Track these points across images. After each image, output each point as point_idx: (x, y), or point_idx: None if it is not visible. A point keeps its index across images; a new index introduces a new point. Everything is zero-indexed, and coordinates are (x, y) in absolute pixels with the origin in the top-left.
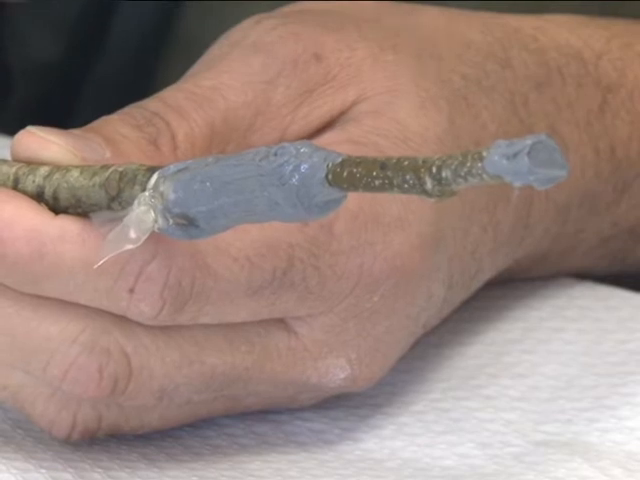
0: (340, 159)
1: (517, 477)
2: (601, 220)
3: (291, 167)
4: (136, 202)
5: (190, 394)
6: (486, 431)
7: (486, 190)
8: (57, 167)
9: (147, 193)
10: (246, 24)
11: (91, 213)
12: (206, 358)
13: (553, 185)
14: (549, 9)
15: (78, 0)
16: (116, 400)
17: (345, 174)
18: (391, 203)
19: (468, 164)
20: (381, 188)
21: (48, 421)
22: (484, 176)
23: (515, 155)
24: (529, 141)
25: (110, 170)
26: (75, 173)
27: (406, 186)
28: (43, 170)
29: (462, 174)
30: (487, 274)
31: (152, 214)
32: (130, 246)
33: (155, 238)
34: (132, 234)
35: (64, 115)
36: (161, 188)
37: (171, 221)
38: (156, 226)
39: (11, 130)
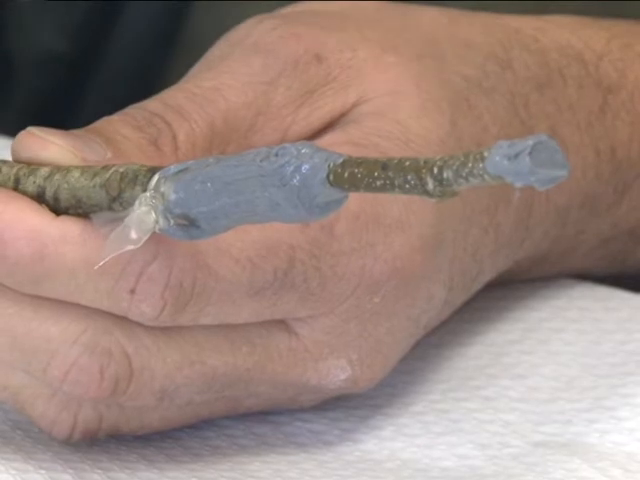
0: (341, 160)
1: (516, 478)
2: (601, 221)
3: (292, 168)
4: (137, 203)
5: (191, 395)
6: (485, 432)
7: (487, 192)
8: (58, 168)
9: (148, 194)
10: (247, 24)
11: (92, 214)
12: (207, 359)
13: (554, 185)
14: (550, 9)
15: None
16: (117, 401)
17: (346, 174)
18: (392, 204)
19: (469, 164)
20: (382, 188)
21: (48, 422)
22: (485, 177)
23: (516, 155)
24: (530, 141)
25: (111, 171)
26: (76, 174)
27: (407, 186)
28: (44, 171)
29: (463, 175)
30: (487, 275)
31: (153, 215)
32: (131, 247)
33: (156, 239)
34: (133, 235)
35: (67, 115)
36: (162, 189)
37: (172, 222)
38: (157, 227)
39: (12, 131)
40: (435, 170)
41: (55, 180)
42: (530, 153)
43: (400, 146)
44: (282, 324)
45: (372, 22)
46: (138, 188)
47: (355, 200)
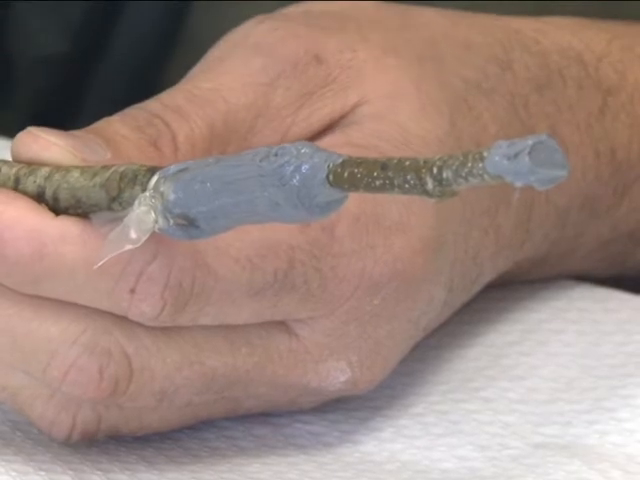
0: (341, 160)
1: None
2: (601, 223)
3: (292, 168)
4: (136, 202)
5: (190, 396)
6: (485, 433)
7: (487, 193)
8: (57, 168)
9: (147, 193)
10: (247, 25)
11: (91, 214)
12: (207, 359)
13: (554, 185)
14: (550, 9)
15: None
16: (117, 401)
17: (346, 174)
18: (392, 206)
19: (469, 164)
20: (382, 188)
21: (47, 422)
22: (485, 176)
23: (516, 155)
24: (530, 141)
25: (110, 171)
26: (75, 174)
27: (407, 186)
28: (44, 171)
29: (463, 174)
30: (487, 277)
31: (152, 214)
32: (130, 246)
33: (156, 238)
34: (132, 234)
35: (67, 115)
36: (161, 188)
37: (171, 221)
38: (156, 226)
39: (12, 131)
40: (434, 170)
41: (55, 180)
42: (530, 153)
43: (400, 148)
44: (282, 325)
45: (372, 23)
46: (137, 188)
47: (355, 202)
